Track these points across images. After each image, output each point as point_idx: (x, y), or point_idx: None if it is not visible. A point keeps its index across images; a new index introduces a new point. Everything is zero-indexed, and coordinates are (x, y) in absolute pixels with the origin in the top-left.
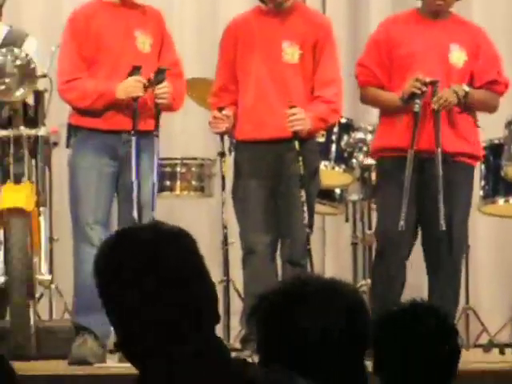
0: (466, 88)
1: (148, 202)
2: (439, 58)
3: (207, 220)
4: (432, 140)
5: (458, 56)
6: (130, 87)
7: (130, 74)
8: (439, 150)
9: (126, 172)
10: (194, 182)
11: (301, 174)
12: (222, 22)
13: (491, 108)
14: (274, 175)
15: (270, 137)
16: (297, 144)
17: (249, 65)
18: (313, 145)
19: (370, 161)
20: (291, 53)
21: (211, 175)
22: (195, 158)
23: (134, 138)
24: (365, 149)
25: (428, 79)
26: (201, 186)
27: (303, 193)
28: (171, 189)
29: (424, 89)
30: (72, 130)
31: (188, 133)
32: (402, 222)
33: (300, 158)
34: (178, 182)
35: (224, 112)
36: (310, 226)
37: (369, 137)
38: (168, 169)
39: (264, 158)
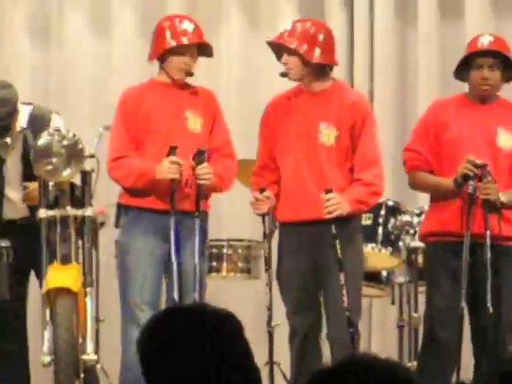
0: (502, 198)
1: (190, 284)
2: (487, 142)
3: (253, 302)
4: (480, 224)
5: (505, 139)
6: (164, 168)
7: (168, 155)
8: (488, 233)
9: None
10: (240, 264)
11: (339, 258)
12: (263, 102)
13: None
14: (313, 257)
15: (307, 219)
16: (333, 228)
17: (286, 145)
18: (355, 226)
19: (416, 243)
20: (327, 134)
21: (258, 257)
22: (242, 240)
23: (172, 219)
24: (411, 231)
25: (478, 161)
26: (247, 268)
27: (342, 276)
28: (218, 270)
29: (476, 171)
30: (122, 209)
31: (234, 214)
32: (462, 305)
33: (337, 242)
34: (225, 264)
35: (265, 193)
36: (353, 309)
37: (415, 219)
38: (215, 250)
39: (303, 241)
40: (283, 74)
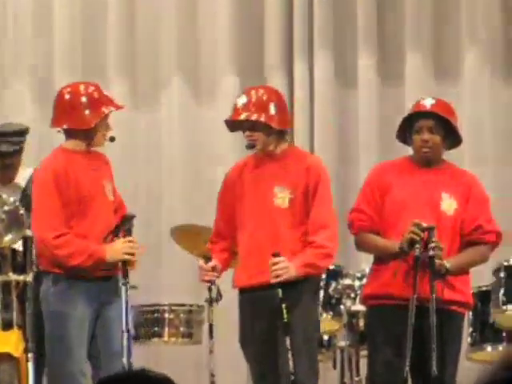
0: (447, 264)
1: (118, 351)
2: (430, 206)
3: (194, 367)
4: (425, 288)
5: (448, 204)
6: (118, 249)
7: (122, 224)
8: (433, 296)
9: (101, 320)
10: (182, 329)
11: (284, 322)
12: (210, 161)
13: (480, 263)
14: (267, 322)
15: (260, 283)
16: (280, 292)
17: (243, 213)
18: (304, 289)
19: (357, 307)
20: (282, 197)
21: (200, 321)
22: (183, 305)
23: (123, 288)
24: (352, 295)
25: (425, 224)
26: (189, 333)
27: (288, 340)
28: (159, 335)
29: (422, 235)
30: (49, 277)
31: (175, 278)
32: (407, 369)
33: (283, 306)
34: (166, 329)
35: (210, 263)
36: (301, 372)
37: (357, 283)
38: (156, 314)
39: (258, 306)
40: (250, 146)
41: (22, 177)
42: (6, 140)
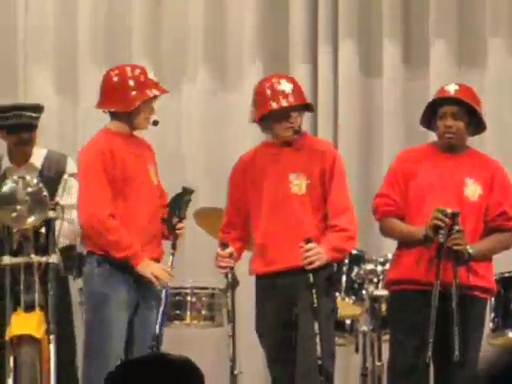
0: (470, 250)
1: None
2: (454, 192)
3: (216, 350)
4: (448, 274)
5: (473, 190)
6: (152, 268)
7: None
8: (456, 282)
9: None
10: (204, 312)
11: (314, 307)
12: (232, 152)
13: (504, 249)
14: (288, 308)
15: (280, 269)
16: (311, 277)
17: (258, 201)
18: (330, 275)
19: (380, 292)
20: (299, 184)
21: (221, 305)
22: (205, 288)
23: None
24: (375, 280)
25: (450, 210)
26: (211, 316)
27: (316, 325)
28: (181, 318)
29: (447, 221)
30: (94, 259)
31: (198, 261)
32: (429, 354)
33: (314, 291)
34: (188, 312)
35: (227, 250)
36: (327, 357)
37: (379, 268)
38: (178, 297)
39: (277, 292)
40: (298, 132)
41: (38, 157)
42: (25, 114)
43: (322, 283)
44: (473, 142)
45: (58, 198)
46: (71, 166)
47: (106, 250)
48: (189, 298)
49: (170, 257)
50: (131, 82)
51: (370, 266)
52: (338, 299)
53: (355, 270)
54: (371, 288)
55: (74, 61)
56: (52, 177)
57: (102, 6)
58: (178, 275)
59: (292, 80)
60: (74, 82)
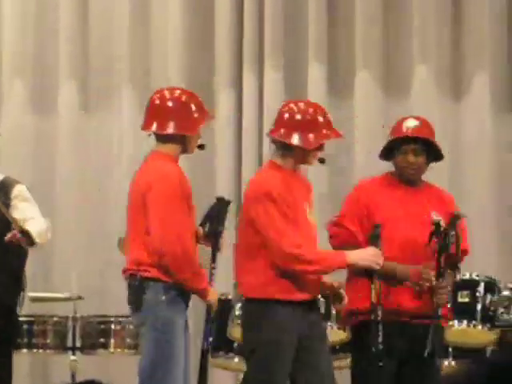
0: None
1: None
2: (421, 224)
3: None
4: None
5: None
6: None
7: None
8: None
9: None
10: (128, 340)
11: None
12: None
13: None
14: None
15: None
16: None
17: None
18: None
19: None
20: (311, 213)
21: None
22: (129, 316)
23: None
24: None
25: (438, 221)
26: (135, 344)
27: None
28: (105, 346)
29: (432, 279)
30: (158, 286)
31: (123, 289)
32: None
33: None
34: (112, 340)
35: None
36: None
37: None
38: (103, 326)
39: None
40: (322, 161)
41: None
42: None
43: None
44: None
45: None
46: (18, 190)
47: (178, 279)
48: (113, 327)
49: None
50: (192, 106)
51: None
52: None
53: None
54: None
55: None
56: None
57: (29, 18)
58: (104, 304)
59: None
60: None
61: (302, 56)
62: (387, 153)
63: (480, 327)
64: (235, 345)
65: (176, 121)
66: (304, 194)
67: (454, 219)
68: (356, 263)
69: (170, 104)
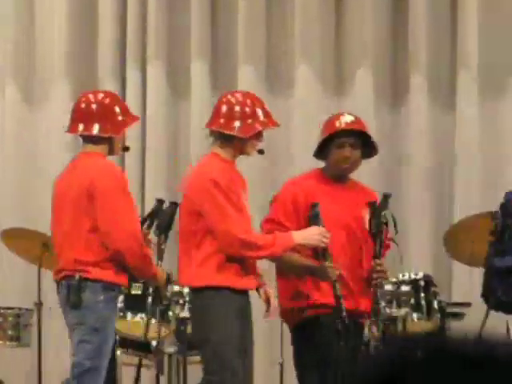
0: None
1: None
2: (354, 219)
3: (23, 370)
4: None
5: (365, 220)
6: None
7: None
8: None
9: None
10: (9, 332)
11: None
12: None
13: None
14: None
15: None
16: None
17: None
18: None
19: (185, 314)
20: None
21: (28, 325)
22: (11, 308)
23: None
24: (181, 301)
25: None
26: (17, 336)
27: None
28: None
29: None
30: (97, 286)
31: (5, 281)
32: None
33: None
34: None
35: None
36: None
37: (185, 290)
38: None
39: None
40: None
41: None
42: None
43: None
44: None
45: None
46: None
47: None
48: None
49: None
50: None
51: (176, 288)
52: (144, 320)
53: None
54: (177, 310)
55: None
56: None
57: None
58: None
59: None
60: None
61: (184, 52)
62: (319, 151)
63: (153, 320)
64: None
65: (101, 123)
66: (242, 185)
67: (385, 199)
68: (303, 243)
69: (94, 107)
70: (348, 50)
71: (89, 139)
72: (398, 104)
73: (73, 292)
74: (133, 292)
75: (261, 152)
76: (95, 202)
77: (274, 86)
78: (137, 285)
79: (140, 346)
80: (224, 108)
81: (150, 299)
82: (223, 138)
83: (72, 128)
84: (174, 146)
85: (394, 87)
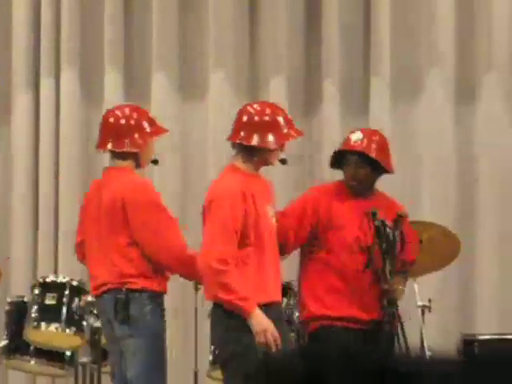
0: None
1: None
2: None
3: None
4: None
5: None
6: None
7: None
8: None
9: None
10: None
11: None
12: None
13: None
14: None
15: None
16: None
17: None
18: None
19: (99, 323)
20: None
21: None
22: None
23: None
24: (95, 311)
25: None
26: None
27: None
28: None
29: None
30: (144, 296)
31: None
32: None
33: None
34: None
35: None
36: None
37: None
38: None
39: None
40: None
41: None
42: None
43: None
44: None
45: None
46: None
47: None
48: None
49: None
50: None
51: (90, 298)
52: (59, 331)
53: (76, 301)
54: (91, 319)
55: None
56: None
57: None
58: None
59: None
60: None
61: (98, 59)
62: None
63: (67, 331)
64: (31, 348)
65: (130, 139)
66: (266, 197)
67: (397, 219)
68: (252, 324)
69: (123, 122)
70: (262, 57)
71: (118, 154)
72: (311, 113)
73: (120, 305)
74: (47, 302)
75: (283, 162)
76: (129, 218)
77: (187, 92)
78: (51, 295)
79: (54, 356)
80: (245, 119)
81: (64, 309)
82: (245, 151)
83: (101, 144)
84: (87, 153)
85: (308, 96)
